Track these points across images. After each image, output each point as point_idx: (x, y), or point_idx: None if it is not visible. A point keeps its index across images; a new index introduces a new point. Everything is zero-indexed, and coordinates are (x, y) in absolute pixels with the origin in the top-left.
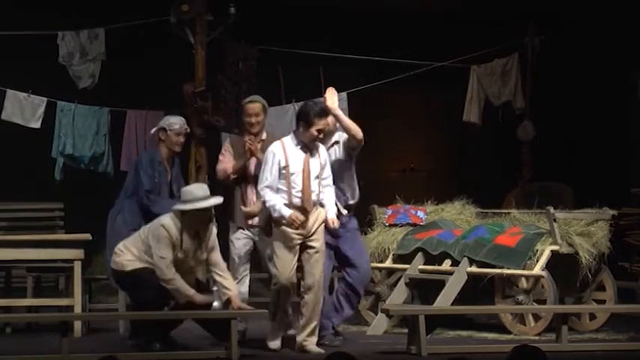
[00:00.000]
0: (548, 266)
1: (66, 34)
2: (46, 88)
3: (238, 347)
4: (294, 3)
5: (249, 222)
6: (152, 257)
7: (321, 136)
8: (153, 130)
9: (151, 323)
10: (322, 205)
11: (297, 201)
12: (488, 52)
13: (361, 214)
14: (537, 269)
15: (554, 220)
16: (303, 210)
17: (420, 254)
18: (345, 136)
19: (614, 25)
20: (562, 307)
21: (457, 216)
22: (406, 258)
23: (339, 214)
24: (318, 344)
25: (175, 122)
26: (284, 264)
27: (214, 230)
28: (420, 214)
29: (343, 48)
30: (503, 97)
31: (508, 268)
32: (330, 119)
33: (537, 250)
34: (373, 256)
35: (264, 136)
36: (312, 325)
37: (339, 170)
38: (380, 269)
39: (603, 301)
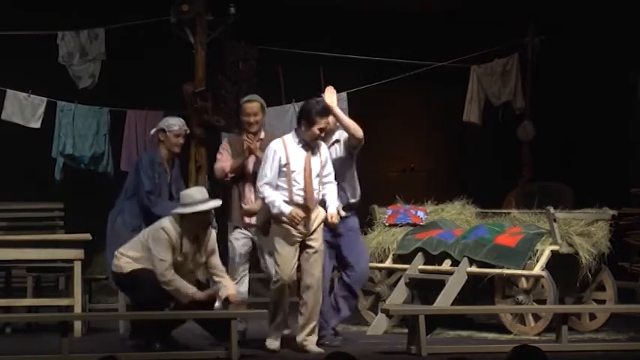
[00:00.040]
0: (548, 266)
1: (66, 34)
2: (46, 88)
3: (238, 347)
4: (294, 3)
5: (247, 221)
6: (152, 260)
7: (323, 134)
8: (152, 132)
9: (151, 323)
10: (324, 202)
11: (297, 199)
12: (488, 52)
13: (361, 214)
14: (537, 269)
15: (554, 220)
16: (306, 208)
17: (420, 254)
18: (346, 134)
19: (614, 25)
20: (562, 307)
21: (457, 216)
22: (406, 258)
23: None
24: (318, 344)
25: (174, 123)
26: (285, 261)
27: (214, 233)
28: (420, 214)
29: (343, 48)
30: (503, 97)
31: (508, 268)
32: (332, 118)
33: (537, 250)
34: (373, 256)
35: (262, 135)
36: (312, 325)
37: (340, 169)
38: (380, 269)
39: (603, 301)
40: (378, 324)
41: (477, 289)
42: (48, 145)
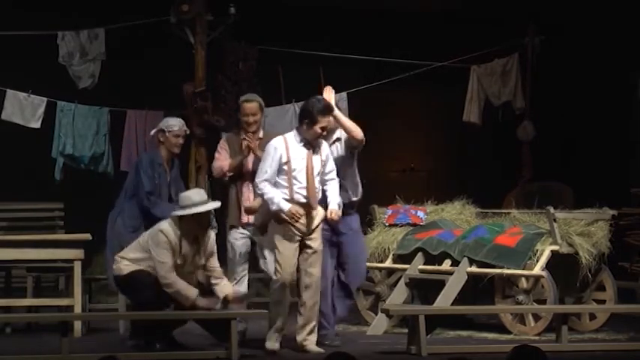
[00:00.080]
0: (548, 266)
1: (66, 34)
2: (46, 88)
3: (238, 347)
4: (294, 3)
5: (245, 220)
6: (152, 263)
7: (325, 133)
8: (152, 133)
9: (151, 323)
10: (325, 199)
11: (298, 197)
12: (488, 52)
13: (361, 214)
14: (537, 269)
15: (554, 220)
16: (307, 207)
17: (420, 254)
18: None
19: (614, 26)
20: (562, 307)
21: (457, 216)
22: (406, 258)
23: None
24: (320, 344)
25: (174, 124)
26: (286, 259)
27: (213, 235)
28: (420, 214)
29: (343, 48)
30: (503, 97)
31: (508, 268)
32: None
33: (537, 250)
34: (373, 256)
35: (261, 134)
36: (312, 325)
37: (341, 167)
38: (380, 269)
39: (603, 301)
40: (378, 324)
41: (477, 289)
42: (48, 145)
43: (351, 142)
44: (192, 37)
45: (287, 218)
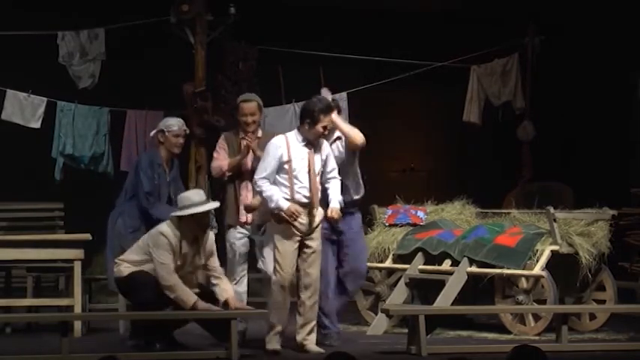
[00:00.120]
0: (548, 266)
1: (66, 34)
2: (46, 88)
3: (238, 347)
4: (294, 3)
5: (244, 219)
6: (152, 265)
7: (327, 132)
8: (152, 133)
9: (151, 323)
10: (326, 198)
11: (299, 197)
12: (488, 52)
13: (361, 214)
14: (537, 269)
15: (554, 220)
16: (309, 206)
17: (420, 254)
18: None
19: (614, 25)
20: (562, 307)
21: (457, 216)
22: (406, 258)
23: (342, 209)
24: (320, 343)
25: (173, 124)
26: (285, 259)
27: (212, 235)
28: (420, 214)
29: (343, 48)
30: (503, 97)
31: (508, 268)
32: (334, 115)
33: (537, 250)
34: (373, 256)
35: (259, 133)
36: (311, 325)
37: (342, 166)
38: (380, 269)
39: (603, 301)
40: (378, 324)
41: (477, 289)
42: (48, 145)
43: (350, 145)
44: (192, 37)
45: (286, 217)
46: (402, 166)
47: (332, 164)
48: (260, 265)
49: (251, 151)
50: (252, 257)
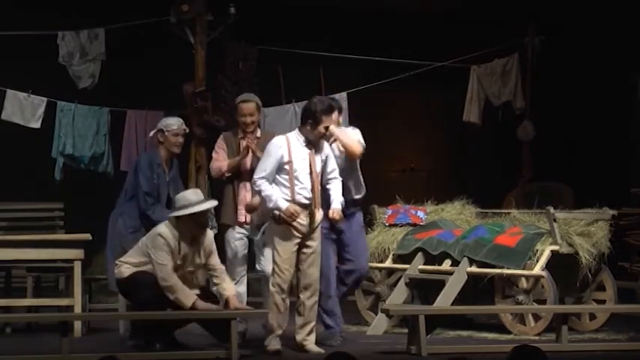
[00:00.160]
0: (548, 266)
1: (66, 34)
2: (46, 88)
3: (238, 348)
4: (294, 3)
5: (242, 220)
6: (152, 266)
7: (328, 133)
8: (151, 134)
9: (151, 323)
10: (328, 198)
11: (299, 198)
12: (488, 52)
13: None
14: (537, 269)
15: (554, 220)
16: (309, 207)
17: (420, 254)
18: (348, 131)
19: (614, 25)
20: (562, 307)
21: (457, 216)
22: (406, 258)
23: (343, 209)
24: (319, 343)
25: (173, 123)
26: (285, 260)
27: (210, 234)
28: (420, 214)
29: (343, 48)
30: (503, 97)
31: (508, 268)
32: (335, 115)
33: (537, 250)
34: (373, 256)
35: (258, 133)
36: (311, 325)
37: (343, 167)
38: (380, 269)
39: (603, 301)
40: (378, 324)
41: (477, 289)
42: (48, 145)
43: (349, 157)
44: (192, 37)
45: (285, 217)
46: (402, 166)
47: (332, 164)
48: (258, 265)
49: (250, 151)
50: (251, 257)
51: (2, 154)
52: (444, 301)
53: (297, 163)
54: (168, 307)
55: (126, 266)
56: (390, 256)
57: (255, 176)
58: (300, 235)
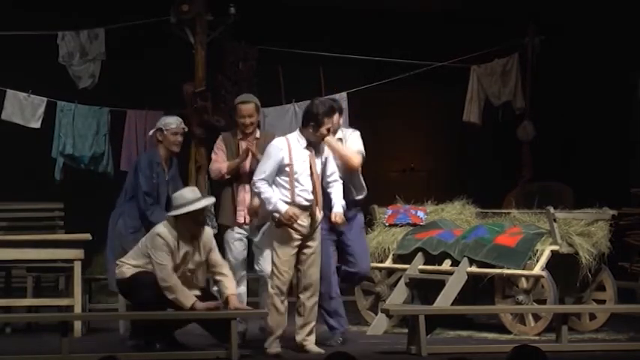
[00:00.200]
0: (548, 266)
1: (66, 34)
2: (46, 88)
3: (238, 348)
4: (294, 3)
5: (241, 220)
6: (152, 267)
7: (330, 134)
8: (150, 133)
9: (151, 323)
10: (329, 201)
11: (299, 199)
12: (488, 52)
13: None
14: (537, 269)
15: (554, 220)
16: (310, 208)
17: (420, 254)
18: (348, 133)
19: (614, 25)
20: (562, 307)
21: (457, 216)
22: (406, 258)
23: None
24: (319, 343)
25: (172, 122)
26: (284, 262)
27: (210, 231)
28: (420, 214)
29: (343, 48)
30: (503, 97)
31: (508, 268)
32: (336, 116)
33: (537, 250)
34: (373, 256)
35: (257, 134)
36: (311, 325)
37: (342, 167)
38: (380, 269)
39: (603, 301)
40: (378, 324)
41: (477, 289)
42: (48, 145)
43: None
44: (192, 37)
45: (284, 220)
46: (402, 166)
47: (332, 167)
48: (257, 266)
49: (250, 153)
50: (250, 257)
51: (2, 154)
52: (444, 301)
53: (298, 165)
54: (169, 307)
55: (127, 266)
56: (390, 256)
57: (255, 178)
58: (300, 237)
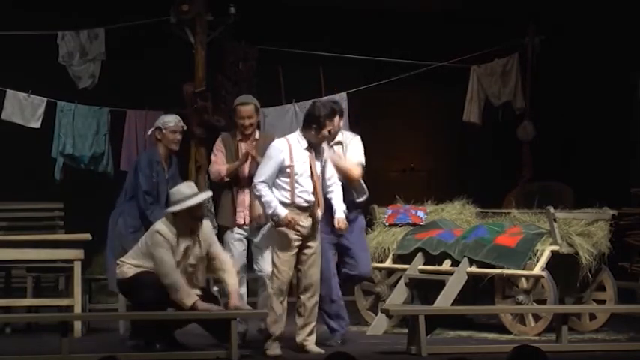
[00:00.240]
0: (548, 266)
1: (66, 34)
2: (46, 88)
3: (238, 348)
4: (294, 3)
5: (241, 222)
6: (155, 265)
7: (331, 135)
8: (149, 132)
9: (151, 323)
10: (330, 205)
11: (299, 200)
12: (488, 52)
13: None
14: (537, 269)
15: (554, 220)
16: (309, 209)
17: (420, 254)
18: (348, 138)
19: (614, 25)
20: (562, 307)
21: (457, 216)
22: (406, 258)
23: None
24: (319, 343)
25: (170, 120)
26: (284, 263)
27: (209, 224)
28: (420, 214)
29: (343, 48)
30: (503, 97)
31: (508, 268)
32: (337, 120)
33: (537, 250)
34: (373, 256)
35: (257, 135)
36: (311, 325)
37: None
38: (380, 269)
39: (603, 301)
40: (378, 324)
41: (477, 289)
42: (48, 145)
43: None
44: (192, 37)
45: (282, 225)
46: (402, 166)
47: (331, 170)
48: (255, 266)
49: (250, 157)
50: (249, 257)
51: (2, 154)
52: (444, 301)
53: (298, 167)
54: (169, 307)
55: (128, 266)
56: (390, 256)
57: (256, 180)
58: (300, 237)
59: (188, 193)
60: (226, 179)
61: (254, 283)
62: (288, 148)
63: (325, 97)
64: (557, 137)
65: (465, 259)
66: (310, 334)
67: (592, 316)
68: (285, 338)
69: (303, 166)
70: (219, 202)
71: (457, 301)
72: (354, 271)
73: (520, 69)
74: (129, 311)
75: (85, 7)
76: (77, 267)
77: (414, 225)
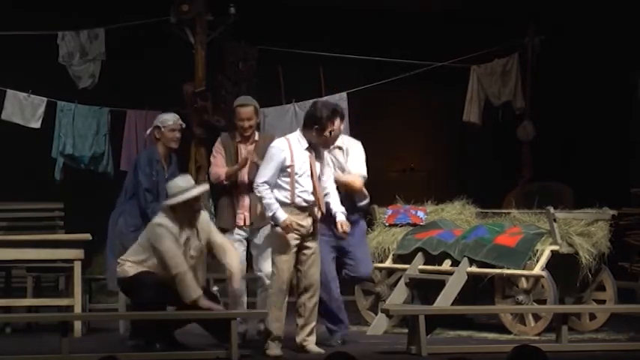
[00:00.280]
0: (548, 266)
1: (66, 34)
2: (46, 88)
3: (238, 348)
4: (294, 3)
5: (241, 223)
6: (155, 262)
7: (332, 137)
8: (148, 131)
9: (151, 323)
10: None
11: (299, 200)
12: (488, 52)
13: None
14: (537, 269)
15: (554, 220)
16: (309, 209)
17: (420, 254)
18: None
19: (614, 25)
20: (562, 307)
21: (457, 216)
22: (406, 258)
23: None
24: (319, 344)
25: (168, 119)
26: (284, 264)
27: (206, 214)
28: (420, 214)
29: (343, 48)
30: (503, 97)
31: (508, 268)
32: (337, 122)
33: (537, 250)
34: (373, 256)
35: (257, 137)
36: (311, 326)
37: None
38: (380, 269)
39: (603, 301)
40: (378, 324)
41: (477, 289)
42: (48, 145)
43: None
44: (192, 37)
45: (281, 228)
46: (402, 166)
47: (327, 173)
48: (255, 267)
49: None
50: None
51: (2, 154)
52: (444, 301)
53: (299, 166)
54: (169, 306)
55: (129, 264)
56: (390, 256)
57: (257, 181)
58: (299, 238)
59: (185, 186)
60: (225, 182)
61: (254, 283)
62: (289, 147)
63: (325, 97)
64: (557, 137)
65: (465, 259)
66: (310, 334)
67: (592, 316)
68: (285, 338)
69: (304, 166)
70: (218, 205)
71: (457, 301)
72: (354, 273)
73: (520, 69)
74: (129, 311)
75: (85, 7)
76: (77, 267)
77: (414, 225)
